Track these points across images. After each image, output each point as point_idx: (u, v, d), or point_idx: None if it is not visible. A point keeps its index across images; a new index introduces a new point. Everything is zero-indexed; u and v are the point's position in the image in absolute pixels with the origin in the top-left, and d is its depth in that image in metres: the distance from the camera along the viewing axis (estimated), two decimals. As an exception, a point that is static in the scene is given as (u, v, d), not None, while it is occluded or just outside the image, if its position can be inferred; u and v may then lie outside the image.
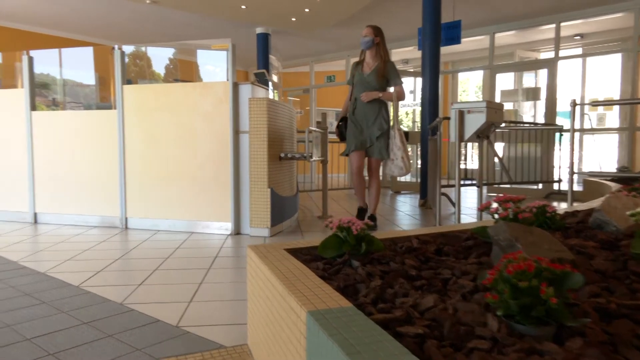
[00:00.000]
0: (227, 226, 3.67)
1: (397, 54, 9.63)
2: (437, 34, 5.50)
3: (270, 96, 4.19)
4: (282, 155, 3.74)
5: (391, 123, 3.76)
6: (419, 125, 9.39)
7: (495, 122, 3.54)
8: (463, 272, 1.14)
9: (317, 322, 0.80)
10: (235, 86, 3.65)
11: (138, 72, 5.11)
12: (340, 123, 3.89)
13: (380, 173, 3.93)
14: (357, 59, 3.90)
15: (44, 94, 4.63)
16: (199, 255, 2.93)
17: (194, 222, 3.75)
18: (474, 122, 3.48)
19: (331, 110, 11.22)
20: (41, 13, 6.70)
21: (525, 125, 6.73)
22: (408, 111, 10.19)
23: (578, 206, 2.30)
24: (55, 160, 4.13)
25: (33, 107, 4.18)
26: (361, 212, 3.93)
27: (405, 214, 4.87)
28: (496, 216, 1.37)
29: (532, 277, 0.78)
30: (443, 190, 4.97)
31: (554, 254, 1.00)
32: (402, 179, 8.43)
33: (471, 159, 10.36)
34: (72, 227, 3.95)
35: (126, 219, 3.94)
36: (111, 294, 2.12)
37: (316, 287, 1.02)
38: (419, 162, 6.13)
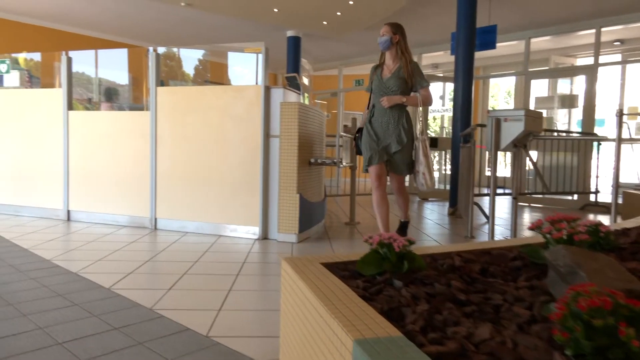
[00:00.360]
0: (255, 230, 3.65)
1: (427, 59, 9.48)
2: (472, 38, 5.37)
3: (301, 100, 4.16)
4: (312, 160, 3.70)
5: (417, 131, 3.31)
6: (448, 131, 9.24)
7: (533, 131, 3.41)
8: (516, 298, 1.06)
9: (366, 353, 0.75)
10: (267, 90, 3.63)
11: (168, 72, 5.16)
12: (356, 135, 3.43)
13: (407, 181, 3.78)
14: (377, 63, 3.41)
15: (79, 93, 4.73)
16: (227, 260, 2.91)
17: (221, 225, 3.75)
18: (511, 131, 3.36)
19: (359, 114, 11.17)
20: (78, 14, 6.88)
21: (565, 134, 6.50)
22: (436, 116, 10.03)
23: (625, 223, 2.17)
24: (89, 159, 4.20)
25: (70, 107, 4.26)
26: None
27: (434, 223, 4.75)
28: (548, 236, 1.29)
29: (608, 315, 0.70)
30: (474, 199, 4.85)
31: (622, 284, 0.91)
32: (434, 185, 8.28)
33: (504, 167, 10.10)
34: (103, 226, 4.00)
35: (155, 219, 3.97)
36: (141, 298, 2.12)
37: (359, 310, 0.96)
38: (449, 168, 6.00)
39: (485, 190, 7.11)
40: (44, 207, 4.36)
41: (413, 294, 1.09)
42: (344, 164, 3.93)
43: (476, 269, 1.34)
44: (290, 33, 7.44)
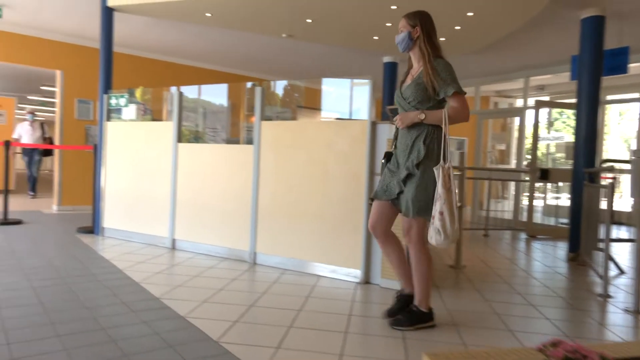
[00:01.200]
0: (357, 274, 3.44)
1: (533, 81, 8.77)
2: (599, 62, 4.78)
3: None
4: (421, 201, 3.42)
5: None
6: (560, 162, 8.36)
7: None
8: None
9: None
10: (373, 125, 3.45)
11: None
12: (383, 161, 2.62)
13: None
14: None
15: (184, 125, 4.94)
16: (331, 311, 2.73)
17: (321, 265, 3.59)
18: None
19: (452, 139, 10.63)
20: (188, 48, 7.33)
21: None
22: (543, 145, 9.16)
23: None
24: (194, 190, 4.31)
25: (179, 139, 4.43)
26: (399, 301, 2.58)
27: (551, 271, 4.19)
28: None
29: None
30: (600, 244, 4.22)
31: None
32: (541, 219, 7.52)
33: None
34: (205, 257, 4.05)
35: (255, 253, 3.93)
36: (250, 356, 1.99)
37: None
38: (568, 204, 5.35)
39: (616, 232, 6.27)
40: (152, 234, 4.54)
41: None
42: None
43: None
44: (387, 59, 7.27)
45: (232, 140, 5.42)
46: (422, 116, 2.32)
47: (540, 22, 5.26)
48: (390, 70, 7.31)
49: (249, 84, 4.11)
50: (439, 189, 2.24)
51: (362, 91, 3.98)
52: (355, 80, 3.94)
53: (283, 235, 3.78)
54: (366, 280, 3.42)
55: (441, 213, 2.23)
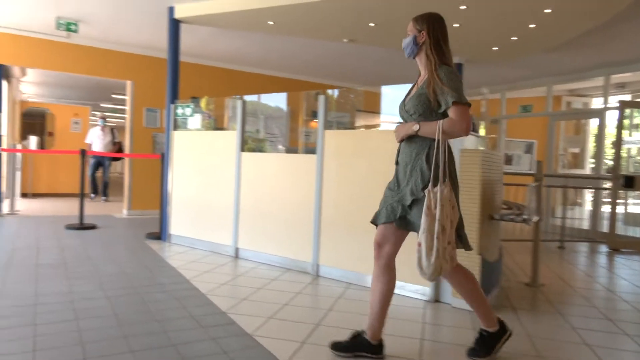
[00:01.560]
0: (425, 291, 3.27)
1: (613, 79, 8.08)
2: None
3: (479, 143, 3.70)
4: (497, 217, 3.19)
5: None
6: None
7: None
8: None
9: None
10: (444, 135, 3.26)
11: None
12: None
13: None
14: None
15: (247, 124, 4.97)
16: (402, 334, 2.58)
17: (387, 280, 3.45)
18: None
19: (520, 142, 10.04)
20: (248, 55, 7.43)
21: None
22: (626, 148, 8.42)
23: None
24: (256, 199, 4.31)
25: (242, 148, 4.46)
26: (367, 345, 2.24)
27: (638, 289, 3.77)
28: None
29: None
30: None
31: None
32: (624, 229, 6.86)
33: None
34: (268, 268, 4.03)
35: (317, 265, 3.86)
36: (321, 386, 1.90)
37: None
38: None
39: None
40: (216, 242, 4.60)
41: None
42: (534, 219, 3.31)
43: None
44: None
45: (292, 149, 5.42)
46: (416, 127, 2.09)
47: (624, 17, 4.80)
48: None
49: (309, 92, 4.04)
50: (422, 214, 2.01)
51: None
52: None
53: (347, 248, 3.68)
54: (436, 299, 3.24)
55: (419, 244, 2.02)
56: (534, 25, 4.89)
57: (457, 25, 5.02)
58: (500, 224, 3.75)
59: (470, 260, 3.06)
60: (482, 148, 3.73)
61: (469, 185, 3.11)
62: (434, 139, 2.06)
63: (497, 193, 3.50)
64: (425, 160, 2.08)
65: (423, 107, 2.10)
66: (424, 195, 2.04)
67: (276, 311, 2.87)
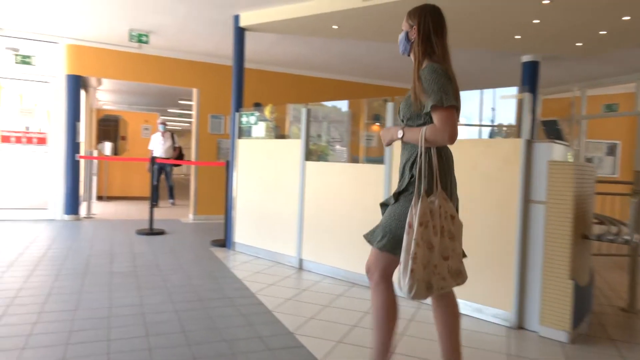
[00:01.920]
0: (507, 316, 2.98)
1: None
2: None
3: (568, 153, 3.34)
4: (593, 237, 2.84)
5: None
6: None
7: None
8: None
9: None
10: (529, 144, 2.96)
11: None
12: None
13: None
14: None
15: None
16: (485, 368, 2.34)
17: (463, 302, 3.19)
18: None
19: (601, 143, 9.21)
20: (312, 60, 7.37)
21: None
22: None
23: None
24: (320, 209, 4.19)
25: (307, 157, 4.36)
26: None
27: None
28: None
29: None
30: None
31: None
32: None
33: None
34: (333, 282, 3.89)
35: (385, 281, 3.66)
36: None
37: None
38: None
39: None
40: (279, 252, 4.54)
41: None
42: (635, 239, 2.91)
43: None
44: (526, 58, 6.49)
45: (354, 158, 5.26)
46: (400, 134, 1.90)
47: None
48: (531, 70, 6.51)
49: (373, 100, 3.86)
50: (404, 233, 1.78)
51: (509, 102, 3.52)
52: (502, 91, 3.46)
53: (418, 265, 3.46)
54: (520, 325, 2.94)
55: (404, 260, 1.78)
56: (628, 18, 4.38)
57: (537, 21, 4.62)
58: (590, 243, 3.37)
59: (559, 283, 2.74)
60: (570, 159, 3.38)
61: (557, 201, 2.79)
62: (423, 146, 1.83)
63: (590, 210, 3.14)
64: (409, 170, 1.89)
65: (410, 111, 1.91)
66: (395, 202, 1.92)
67: (345, 334, 2.72)
